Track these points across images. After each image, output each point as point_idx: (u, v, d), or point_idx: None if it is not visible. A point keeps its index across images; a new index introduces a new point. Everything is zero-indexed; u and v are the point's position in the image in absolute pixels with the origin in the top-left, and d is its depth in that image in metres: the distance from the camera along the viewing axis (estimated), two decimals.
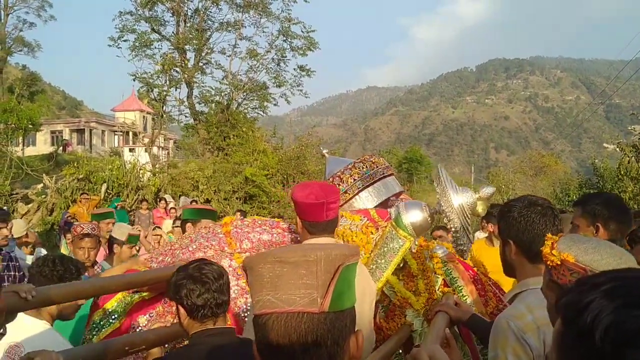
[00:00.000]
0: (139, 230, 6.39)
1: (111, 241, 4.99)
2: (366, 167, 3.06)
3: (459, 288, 3.01)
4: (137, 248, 8.55)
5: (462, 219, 2.92)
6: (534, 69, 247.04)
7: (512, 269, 2.26)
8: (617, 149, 19.85)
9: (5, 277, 4.08)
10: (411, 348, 2.86)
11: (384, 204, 3.12)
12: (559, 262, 1.91)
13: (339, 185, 3.02)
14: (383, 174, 3.11)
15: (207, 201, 17.32)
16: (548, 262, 1.96)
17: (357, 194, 3.03)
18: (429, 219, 2.94)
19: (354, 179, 3.02)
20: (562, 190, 26.41)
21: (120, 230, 5.13)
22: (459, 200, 2.92)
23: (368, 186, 3.04)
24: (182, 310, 2.10)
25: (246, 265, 1.10)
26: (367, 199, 3.03)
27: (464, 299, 2.91)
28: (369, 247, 2.83)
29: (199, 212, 4.41)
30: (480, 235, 6.73)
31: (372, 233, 2.87)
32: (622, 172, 18.79)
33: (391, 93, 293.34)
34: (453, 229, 2.99)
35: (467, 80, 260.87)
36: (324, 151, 3.56)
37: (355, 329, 1.09)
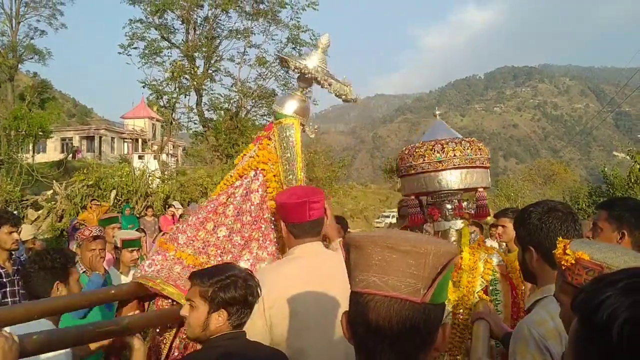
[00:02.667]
0: (140, 235, 6.37)
1: (117, 248, 5.01)
2: (472, 149, 2.95)
3: (497, 302, 2.97)
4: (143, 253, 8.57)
5: (325, 76, 2.95)
6: (542, 76, 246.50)
7: (532, 275, 2.24)
8: (627, 157, 19.76)
9: (15, 282, 4.11)
10: None
11: (470, 190, 3.08)
12: (573, 262, 1.90)
13: (437, 152, 2.93)
14: (482, 163, 3.01)
15: None
16: (562, 263, 1.95)
17: (450, 169, 2.97)
18: (302, 96, 3.05)
19: (455, 154, 2.92)
20: (572, 198, 26.27)
21: (127, 236, 5.15)
22: (312, 63, 2.95)
23: (463, 168, 2.98)
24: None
25: (352, 243, 1.15)
26: (455, 178, 2.96)
27: (498, 312, 2.87)
28: (273, 156, 2.92)
29: None
30: (494, 244, 6.56)
31: (268, 144, 2.96)
32: (632, 180, 18.69)
33: (399, 101, 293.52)
34: (335, 91, 3.01)
35: (475, 88, 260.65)
36: (437, 112, 3.48)
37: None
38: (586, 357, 0.79)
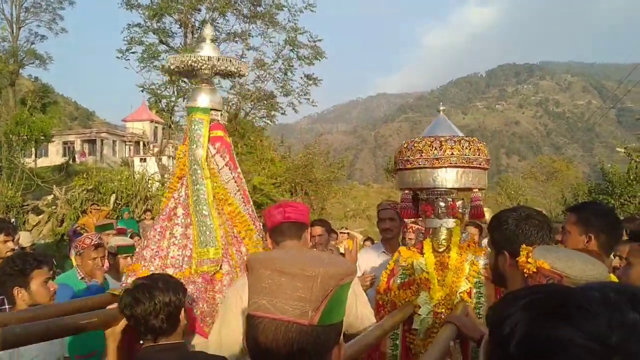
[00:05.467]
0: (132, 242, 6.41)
1: (111, 254, 5.03)
2: (470, 149, 2.93)
3: (480, 305, 3.00)
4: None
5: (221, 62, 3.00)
6: (544, 73, 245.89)
7: (503, 279, 2.27)
8: (625, 154, 19.69)
9: None
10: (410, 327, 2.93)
11: (465, 190, 3.10)
12: (534, 270, 1.96)
13: (435, 148, 2.93)
14: (480, 164, 3.00)
15: None
16: (525, 271, 2.01)
17: (446, 167, 2.98)
18: (210, 86, 3.10)
19: (452, 153, 2.91)
20: (573, 195, 26.21)
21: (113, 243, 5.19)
22: (206, 52, 3.02)
23: (460, 167, 2.99)
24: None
25: (248, 265, 1.18)
26: (451, 177, 2.97)
27: (479, 317, 2.90)
28: (183, 153, 3.02)
29: None
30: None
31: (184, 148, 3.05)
32: (631, 177, 18.64)
33: (401, 100, 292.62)
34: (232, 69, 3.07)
35: (477, 85, 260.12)
36: (441, 107, 3.49)
37: (341, 339, 1.17)
38: None
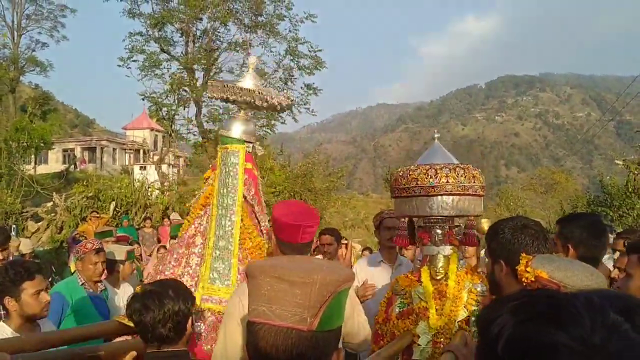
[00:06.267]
0: (138, 248, 6.45)
1: (110, 261, 5.03)
2: (465, 176, 2.95)
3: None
4: (143, 266, 8.63)
5: (262, 94, 2.96)
6: (543, 85, 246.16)
7: (499, 288, 2.31)
8: (623, 167, 19.75)
9: None
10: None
11: (461, 217, 3.09)
12: (533, 279, 1.98)
13: (430, 177, 2.95)
14: (475, 191, 3.01)
15: None
16: (523, 279, 2.03)
17: (441, 195, 3.01)
18: (245, 116, 3.08)
19: (447, 180, 2.92)
20: (572, 207, 26.23)
21: (120, 250, 5.19)
22: (247, 84, 2.99)
23: (456, 195, 3.01)
24: None
25: (248, 273, 1.21)
26: (447, 205, 2.99)
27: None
28: (211, 181, 3.00)
29: (179, 227, 4.53)
30: None
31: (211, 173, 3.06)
32: (630, 189, 18.68)
33: (400, 110, 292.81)
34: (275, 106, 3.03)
35: (476, 97, 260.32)
36: (436, 135, 3.51)
37: (340, 345, 1.22)
38: None
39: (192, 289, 2.77)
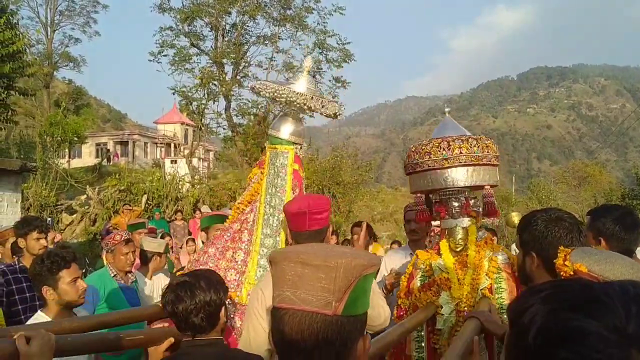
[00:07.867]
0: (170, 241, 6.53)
1: (143, 253, 5.12)
2: (479, 147, 2.94)
3: (501, 300, 2.97)
4: (174, 257, 8.74)
5: (315, 98, 2.95)
6: (577, 77, 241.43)
7: (530, 279, 2.27)
8: None
9: None
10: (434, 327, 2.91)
11: (477, 188, 3.09)
12: (572, 273, 1.93)
13: (443, 149, 2.94)
14: (490, 161, 2.99)
15: None
16: (562, 273, 1.98)
17: (455, 166, 2.99)
18: (297, 117, 3.07)
19: (461, 152, 2.92)
20: (605, 200, 25.70)
21: (155, 243, 5.25)
22: (300, 87, 2.97)
23: (470, 165, 3.00)
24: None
25: (271, 259, 1.20)
26: (461, 176, 2.97)
27: (501, 312, 2.88)
28: (259, 179, 3.01)
29: (211, 219, 4.57)
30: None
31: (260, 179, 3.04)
32: None
33: (430, 103, 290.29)
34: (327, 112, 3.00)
35: (508, 89, 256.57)
36: (447, 109, 3.50)
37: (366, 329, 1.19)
38: (511, 355, 0.85)
39: (236, 284, 2.82)
